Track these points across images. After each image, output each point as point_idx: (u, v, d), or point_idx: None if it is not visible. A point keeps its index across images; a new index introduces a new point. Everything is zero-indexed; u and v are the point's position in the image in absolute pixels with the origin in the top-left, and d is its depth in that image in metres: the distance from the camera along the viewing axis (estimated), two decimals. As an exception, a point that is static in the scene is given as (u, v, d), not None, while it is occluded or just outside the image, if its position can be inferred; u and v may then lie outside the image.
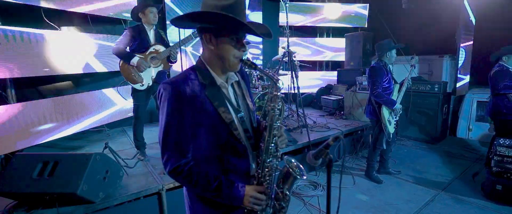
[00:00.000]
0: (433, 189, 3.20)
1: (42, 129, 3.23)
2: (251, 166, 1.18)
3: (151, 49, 2.95)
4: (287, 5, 3.68)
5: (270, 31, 1.14)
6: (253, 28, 1.04)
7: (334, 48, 6.71)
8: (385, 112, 3.15)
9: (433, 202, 2.94)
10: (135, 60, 2.83)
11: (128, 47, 2.94)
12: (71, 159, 2.21)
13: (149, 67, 2.93)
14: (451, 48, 5.43)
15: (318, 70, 6.92)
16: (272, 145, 1.11)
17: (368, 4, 6.22)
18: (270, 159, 1.11)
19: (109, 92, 4.07)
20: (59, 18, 3.59)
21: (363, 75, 4.99)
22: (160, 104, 1.09)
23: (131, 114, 4.29)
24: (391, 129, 3.25)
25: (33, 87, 3.44)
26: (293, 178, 1.12)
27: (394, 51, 3.16)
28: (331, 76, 6.59)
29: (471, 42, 5.33)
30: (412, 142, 4.92)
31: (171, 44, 3.09)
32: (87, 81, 4.05)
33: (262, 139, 1.13)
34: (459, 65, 5.02)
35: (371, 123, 3.46)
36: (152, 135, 3.88)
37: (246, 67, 1.14)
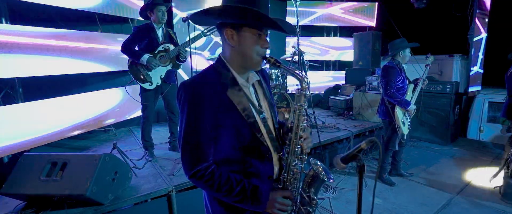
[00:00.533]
0: (448, 192, 3.11)
1: (49, 129, 3.19)
2: (274, 169, 1.12)
3: (160, 48, 2.90)
4: (297, 3, 3.60)
5: (293, 27, 1.08)
6: (279, 23, 0.98)
7: (340, 48, 6.63)
8: (399, 112, 3.07)
9: (449, 206, 2.85)
10: (144, 58, 2.77)
11: (136, 46, 2.89)
12: (80, 159, 2.16)
13: (158, 66, 2.87)
14: (462, 47, 5.33)
15: (325, 70, 6.84)
16: (298, 146, 1.04)
17: (376, 3, 6.12)
18: (296, 161, 1.05)
19: (116, 91, 4.02)
20: (67, 16, 3.55)
21: (373, 75, 4.90)
22: (179, 106, 1.03)
23: (137, 114, 4.30)
24: (405, 130, 3.17)
25: (41, 86, 3.41)
26: (321, 181, 1.06)
27: (407, 51, 3.07)
28: (338, 76, 6.51)
29: (485, 35, 5.16)
30: (422, 143, 4.82)
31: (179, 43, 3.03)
32: (94, 80, 4.01)
33: (287, 140, 1.06)
34: (472, 69, 4.89)
35: (384, 124, 3.38)
36: (160, 135, 3.84)
37: (269, 65, 1.08)
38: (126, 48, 2.81)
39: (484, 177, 3.44)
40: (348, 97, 5.26)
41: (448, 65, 5.92)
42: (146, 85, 2.88)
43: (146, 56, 2.79)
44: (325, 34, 6.83)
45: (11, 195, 2.05)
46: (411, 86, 3.15)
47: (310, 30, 6.56)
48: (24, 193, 2.02)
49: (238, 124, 1.04)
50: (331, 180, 1.06)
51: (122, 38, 4.01)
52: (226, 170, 1.05)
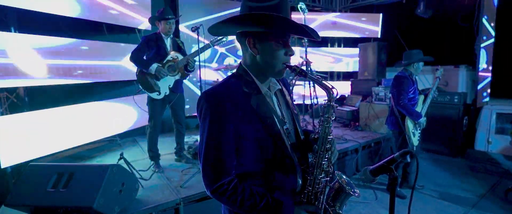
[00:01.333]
0: (462, 206, 3.02)
1: (55, 138, 3.14)
2: (298, 182, 1.07)
3: (168, 58, 2.89)
4: (305, 14, 3.61)
5: (317, 33, 1.05)
6: (308, 30, 0.94)
7: (345, 58, 6.63)
8: (409, 123, 3.02)
9: (465, 221, 2.76)
10: (153, 68, 2.76)
11: (145, 56, 2.88)
12: (87, 170, 2.11)
13: (167, 75, 2.85)
14: (468, 58, 5.32)
15: (329, 80, 6.82)
16: (325, 160, 0.99)
17: (381, 14, 6.16)
18: (322, 175, 1.00)
19: (122, 101, 3.99)
20: (75, 26, 3.56)
21: (379, 86, 4.88)
22: (200, 117, 0.99)
23: (142, 124, 4.25)
24: (415, 141, 3.11)
25: (47, 95, 3.39)
26: (346, 195, 1.01)
27: (421, 63, 3.06)
28: (343, 86, 6.49)
29: (492, 42, 5.13)
30: (431, 154, 4.74)
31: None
32: (100, 90, 3.99)
33: (313, 153, 1.01)
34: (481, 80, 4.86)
35: (393, 135, 3.32)
36: (165, 145, 3.78)
37: (294, 74, 1.03)
38: (134, 57, 2.80)
39: (498, 190, 3.35)
40: (354, 108, 5.22)
41: (454, 76, 5.91)
42: (154, 95, 2.85)
43: (154, 66, 2.78)
44: (329, 44, 6.85)
45: (16, 206, 1.98)
46: (422, 97, 3.11)
47: (314, 41, 6.57)
48: (29, 205, 1.96)
49: (261, 135, 0.99)
50: (357, 194, 1.01)
51: (129, 48, 4.03)
52: (248, 184, 1.00)
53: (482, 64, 4.79)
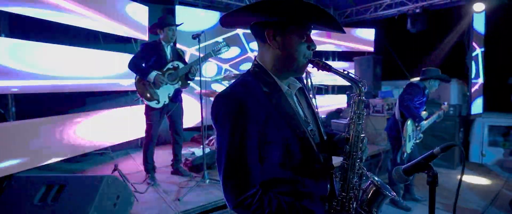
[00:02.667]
0: None
1: (42, 150, 2.94)
2: (328, 187, 0.98)
3: (169, 66, 2.82)
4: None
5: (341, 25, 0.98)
6: (335, 19, 0.89)
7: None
8: (409, 126, 3.00)
9: (474, 233, 2.68)
10: (152, 75, 2.67)
11: (144, 63, 2.80)
12: (79, 182, 1.95)
13: (166, 84, 2.76)
14: (460, 71, 5.45)
15: (324, 94, 6.85)
16: (358, 160, 0.91)
17: (374, 29, 6.32)
18: (355, 178, 0.91)
19: (114, 112, 3.84)
20: (70, 34, 3.46)
21: (376, 98, 4.90)
22: (216, 122, 0.88)
23: (135, 136, 4.08)
24: (409, 147, 3.07)
25: (35, 105, 3.21)
26: (383, 197, 0.92)
27: (437, 82, 3.10)
28: (338, 99, 6.51)
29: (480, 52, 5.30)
30: (429, 167, 4.71)
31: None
32: (92, 100, 3.84)
33: (344, 154, 0.93)
34: (472, 88, 4.98)
35: (389, 140, 3.31)
36: (160, 158, 3.61)
37: (317, 68, 0.96)
38: (133, 64, 2.71)
39: (501, 200, 3.32)
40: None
41: (445, 89, 6.03)
42: (153, 104, 2.74)
43: (153, 73, 2.69)
44: (324, 58, 6.93)
45: (-3, 223, 1.79)
46: (426, 114, 3.14)
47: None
48: (13, 221, 1.77)
49: (288, 138, 0.89)
50: (393, 194, 0.92)
51: (126, 57, 3.93)
52: (273, 193, 0.89)
53: (474, 74, 4.93)
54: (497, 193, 3.60)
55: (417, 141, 3.16)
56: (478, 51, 5.09)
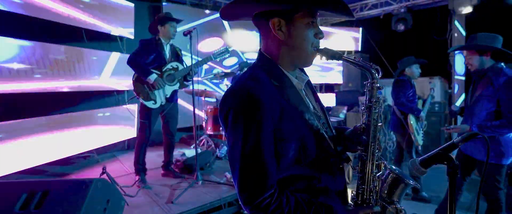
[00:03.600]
0: (462, 211, 3.03)
1: (22, 154, 2.75)
2: (345, 182, 0.94)
3: (168, 66, 2.75)
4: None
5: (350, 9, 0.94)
6: (342, 1, 0.83)
7: (327, 71, 6.77)
8: (412, 120, 3.05)
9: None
10: (152, 77, 2.59)
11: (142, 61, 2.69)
12: (65, 186, 1.81)
13: (165, 86, 2.69)
14: (443, 69, 5.64)
15: (319, 92, 6.88)
16: (377, 151, 0.88)
17: (361, 28, 6.42)
18: (375, 170, 0.88)
19: (99, 113, 3.67)
20: (52, 30, 3.26)
21: (364, 96, 4.99)
22: (227, 121, 0.81)
23: (121, 138, 3.91)
24: (420, 139, 3.14)
25: (16, 105, 3.01)
26: (404, 186, 0.89)
27: (414, 67, 3.14)
28: (326, 98, 6.56)
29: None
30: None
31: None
32: (75, 100, 3.64)
33: (362, 145, 0.89)
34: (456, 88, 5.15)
35: (396, 136, 3.36)
36: (150, 160, 3.48)
37: (326, 57, 0.92)
38: (133, 62, 2.60)
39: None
40: (340, 119, 5.25)
41: (428, 86, 6.24)
42: (150, 104, 2.65)
43: (154, 76, 2.61)
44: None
45: (-27, 234, 1.63)
46: (420, 101, 3.21)
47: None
48: (-9, 231, 1.62)
49: (304, 134, 0.85)
50: (412, 182, 0.89)
51: (113, 56, 3.77)
52: (289, 191, 0.85)
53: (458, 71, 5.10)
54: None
55: (425, 129, 3.22)
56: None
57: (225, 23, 5.34)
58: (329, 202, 0.86)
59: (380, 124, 0.89)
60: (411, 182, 0.88)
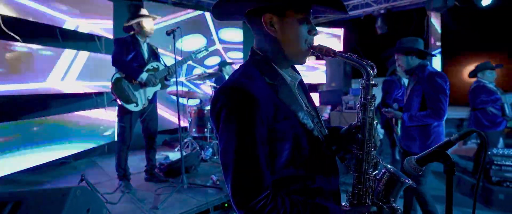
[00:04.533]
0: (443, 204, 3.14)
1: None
2: (337, 182, 0.92)
3: (148, 67, 2.63)
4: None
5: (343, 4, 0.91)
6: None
7: (309, 71, 6.84)
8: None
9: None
10: (144, 76, 2.49)
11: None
12: (41, 196, 1.68)
13: (153, 85, 2.59)
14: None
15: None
16: (372, 150, 0.87)
17: (343, 28, 6.54)
18: (371, 168, 0.86)
19: (76, 117, 3.47)
20: (22, 28, 3.04)
21: (348, 95, 5.07)
22: (219, 120, 0.78)
23: (101, 142, 3.73)
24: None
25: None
26: (400, 185, 0.88)
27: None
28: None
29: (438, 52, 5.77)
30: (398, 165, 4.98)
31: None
32: (51, 103, 3.43)
33: (358, 144, 0.88)
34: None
35: (386, 137, 3.44)
36: (132, 164, 3.35)
37: (321, 55, 0.90)
38: (121, 63, 2.48)
39: (462, 186, 3.60)
40: (324, 118, 5.32)
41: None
42: (131, 107, 2.53)
43: (145, 74, 2.51)
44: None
45: None
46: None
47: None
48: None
49: (298, 133, 0.83)
50: (409, 181, 0.89)
51: (92, 56, 3.58)
52: (283, 192, 0.82)
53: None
54: (458, 179, 3.89)
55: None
56: (437, 48, 5.52)
57: (209, 20, 5.26)
58: (323, 203, 0.85)
59: (375, 121, 0.88)
60: (407, 181, 0.88)
